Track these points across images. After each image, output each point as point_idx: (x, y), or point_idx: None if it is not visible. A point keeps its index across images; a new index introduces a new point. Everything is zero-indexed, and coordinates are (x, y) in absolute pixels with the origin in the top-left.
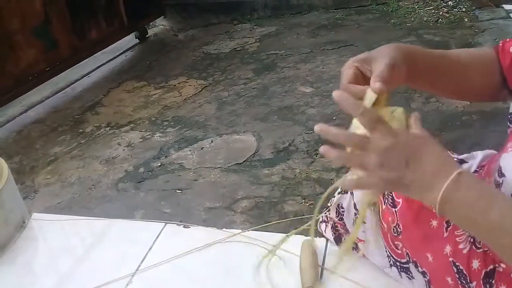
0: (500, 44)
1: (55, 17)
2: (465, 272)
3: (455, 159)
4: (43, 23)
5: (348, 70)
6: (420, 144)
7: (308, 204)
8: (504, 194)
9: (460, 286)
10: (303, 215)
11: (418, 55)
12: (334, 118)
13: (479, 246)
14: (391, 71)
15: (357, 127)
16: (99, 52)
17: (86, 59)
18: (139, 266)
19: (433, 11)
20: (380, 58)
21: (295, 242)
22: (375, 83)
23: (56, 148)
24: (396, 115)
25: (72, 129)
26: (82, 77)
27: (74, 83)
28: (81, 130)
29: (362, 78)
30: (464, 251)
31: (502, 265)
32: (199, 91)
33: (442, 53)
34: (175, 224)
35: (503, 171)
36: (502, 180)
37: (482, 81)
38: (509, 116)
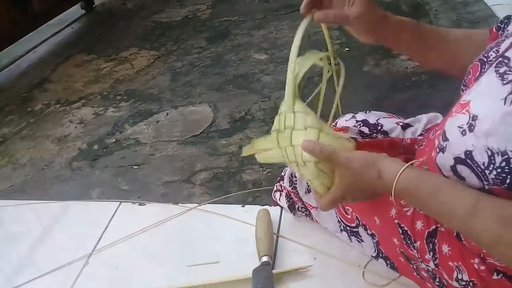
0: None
1: None
2: (409, 233)
3: (401, 123)
4: None
5: None
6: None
7: (266, 172)
8: (441, 180)
9: (405, 245)
10: (261, 184)
11: (406, 23)
12: None
13: None
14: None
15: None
16: (44, 25)
17: (30, 33)
18: (95, 246)
19: None
20: None
21: (251, 212)
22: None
23: (4, 129)
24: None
25: (20, 108)
26: (27, 52)
27: (18, 59)
28: (29, 109)
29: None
30: (408, 213)
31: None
32: (152, 63)
33: (431, 27)
34: (130, 202)
35: (447, 135)
36: (446, 144)
37: (472, 59)
38: (463, 83)
